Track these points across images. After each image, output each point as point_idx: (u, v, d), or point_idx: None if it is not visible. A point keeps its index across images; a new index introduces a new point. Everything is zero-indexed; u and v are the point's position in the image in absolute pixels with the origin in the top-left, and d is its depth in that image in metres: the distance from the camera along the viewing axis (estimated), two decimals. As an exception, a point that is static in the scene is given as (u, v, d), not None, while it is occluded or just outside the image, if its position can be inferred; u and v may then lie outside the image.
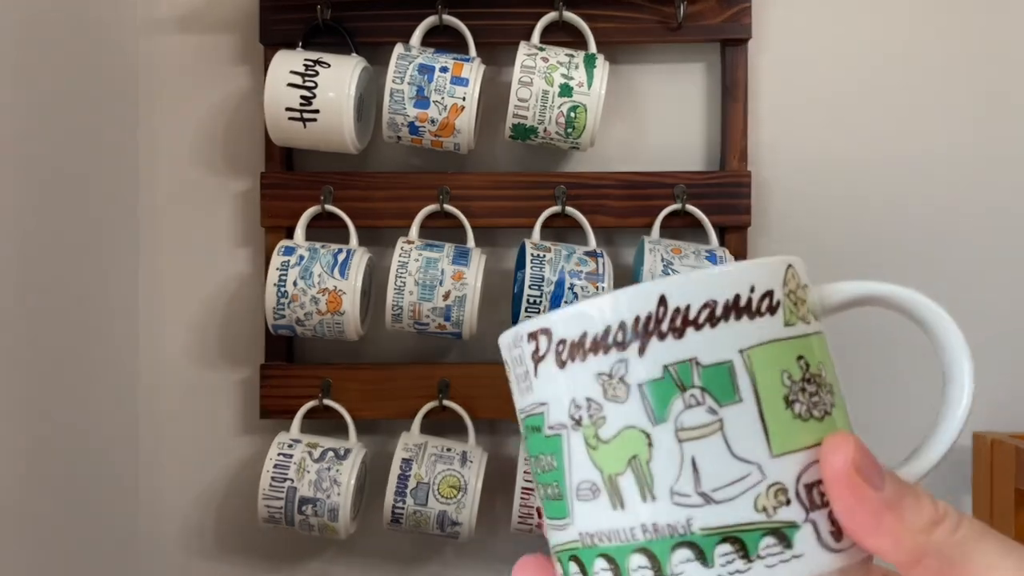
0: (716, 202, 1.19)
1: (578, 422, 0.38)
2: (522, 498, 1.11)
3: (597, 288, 1.11)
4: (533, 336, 0.39)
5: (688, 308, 0.36)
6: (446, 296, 1.11)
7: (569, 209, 1.18)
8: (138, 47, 1.27)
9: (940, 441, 0.40)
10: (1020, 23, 1.23)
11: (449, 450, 1.14)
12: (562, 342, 0.38)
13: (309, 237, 1.19)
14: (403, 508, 1.12)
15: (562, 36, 1.19)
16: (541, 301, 1.10)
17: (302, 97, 1.12)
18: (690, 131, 1.25)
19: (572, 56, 1.13)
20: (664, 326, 0.36)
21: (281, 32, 1.20)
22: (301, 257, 1.13)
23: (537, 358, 0.39)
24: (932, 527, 0.36)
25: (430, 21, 1.18)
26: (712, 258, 1.12)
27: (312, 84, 1.12)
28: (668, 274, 1.10)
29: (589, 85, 1.11)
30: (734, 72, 1.21)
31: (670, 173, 1.19)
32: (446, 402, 1.19)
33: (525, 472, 1.11)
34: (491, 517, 1.22)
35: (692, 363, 0.36)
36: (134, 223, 1.26)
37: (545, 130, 1.13)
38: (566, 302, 1.10)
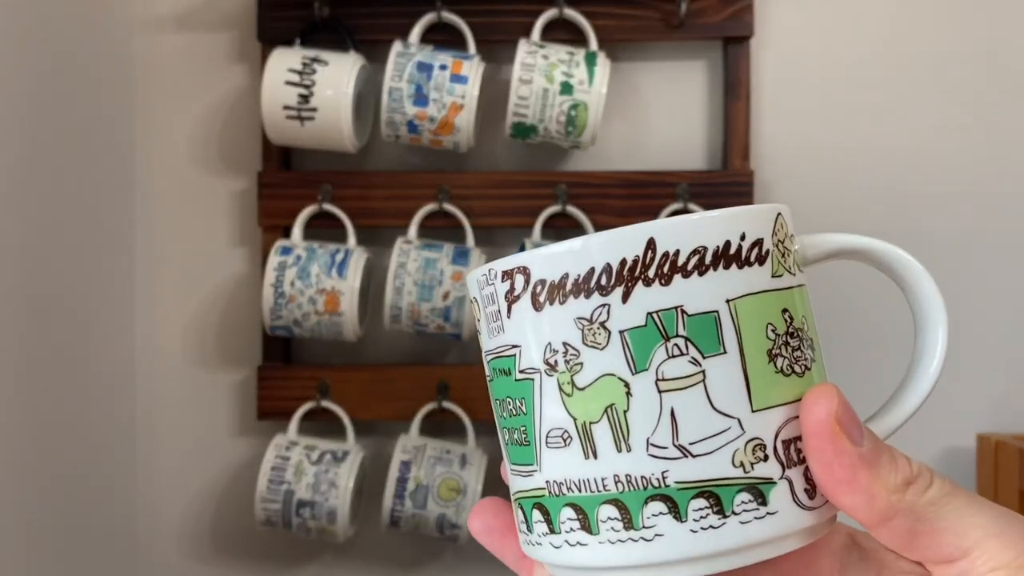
0: (718, 201, 1.17)
1: (553, 367, 0.36)
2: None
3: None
4: (508, 275, 0.37)
5: (677, 253, 0.35)
6: (445, 296, 1.10)
7: (570, 208, 1.17)
8: (135, 45, 1.26)
9: (913, 395, 0.40)
10: (1021, 21, 1.23)
11: (448, 452, 1.13)
12: (540, 283, 0.36)
13: (307, 237, 1.18)
14: (402, 511, 1.11)
15: (563, 33, 1.18)
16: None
17: (300, 95, 1.11)
18: (692, 129, 1.24)
19: (573, 54, 1.12)
20: (651, 271, 0.35)
21: (279, 29, 1.19)
22: (299, 257, 1.12)
23: (511, 298, 0.37)
24: (905, 486, 0.35)
25: (429, 18, 1.17)
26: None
27: (310, 82, 1.11)
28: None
29: (590, 83, 1.10)
30: (736, 70, 1.20)
31: (672, 172, 1.18)
32: (445, 403, 1.18)
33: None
34: (491, 520, 1.21)
35: (677, 311, 0.35)
36: (130, 222, 1.25)
37: (545, 128, 1.12)
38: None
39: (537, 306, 0.37)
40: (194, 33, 1.26)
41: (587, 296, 0.36)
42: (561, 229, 1.19)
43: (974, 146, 1.22)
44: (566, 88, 1.10)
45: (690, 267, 0.35)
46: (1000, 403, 1.22)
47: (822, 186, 1.23)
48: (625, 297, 0.35)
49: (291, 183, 1.20)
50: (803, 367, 0.37)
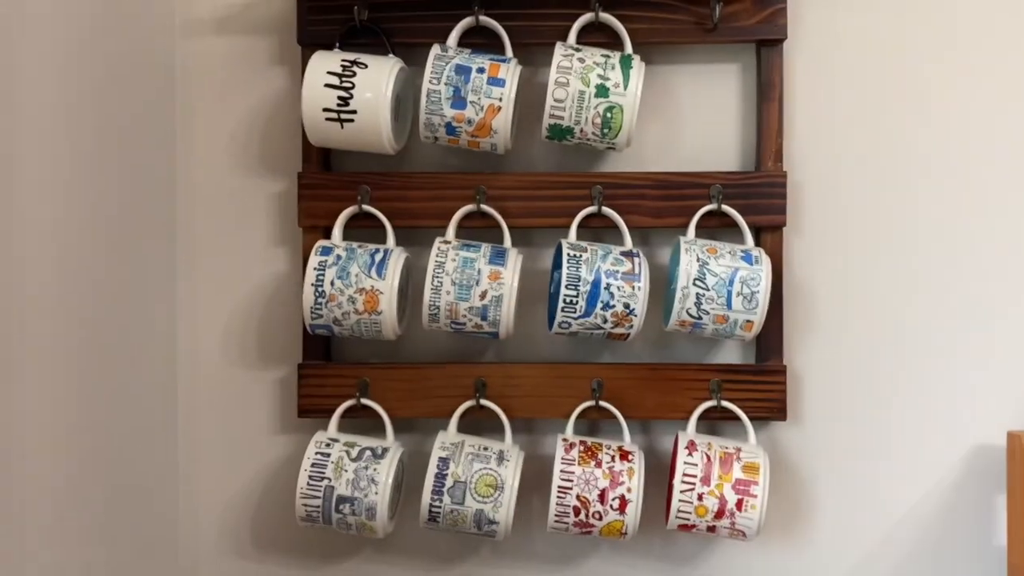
0: (751, 202, 1.19)
1: None
2: (558, 497, 1.11)
3: (633, 288, 1.11)
4: None
5: None
6: (483, 296, 1.12)
7: (605, 209, 1.18)
8: (176, 48, 1.28)
9: None
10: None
11: (486, 449, 1.15)
12: None
13: (346, 237, 1.19)
14: (440, 507, 1.13)
15: (598, 37, 1.19)
16: (577, 301, 1.10)
17: (339, 98, 1.13)
18: (725, 131, 1.25)
19: (608, 57, 1.13)
20: None
21: (319, 33, 1.21)
22: (338, 257, 1.14)
23: None
24: None
25: (467, 22, 1.18)
26: (748, 258, 1.12)
27: (349, 85, 1.13)
28: (704, 274, 1.11)
29: (625, 86, 1.12)
30: (769, 73, 1.20)
31: (706, 173, 1.20)
32: (483, 401, 1.19)
33: (561, 471, 1.11)
34: (527, 516, 1.22)
35: None
36: (172, 223, 1.28)
37: (581, 130, 1.13)
38: (603, 302, 1.10)
39: None
40: (235, 36, 1.28)
41: None
42: (596, 229, 1.20)
43: (1011, 150, 1.23)
44: (602, 91, 1.11)
45: None
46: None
47: (854, 188, 1.23)
48: None
49: (331, 184, 1.22)
50: None
